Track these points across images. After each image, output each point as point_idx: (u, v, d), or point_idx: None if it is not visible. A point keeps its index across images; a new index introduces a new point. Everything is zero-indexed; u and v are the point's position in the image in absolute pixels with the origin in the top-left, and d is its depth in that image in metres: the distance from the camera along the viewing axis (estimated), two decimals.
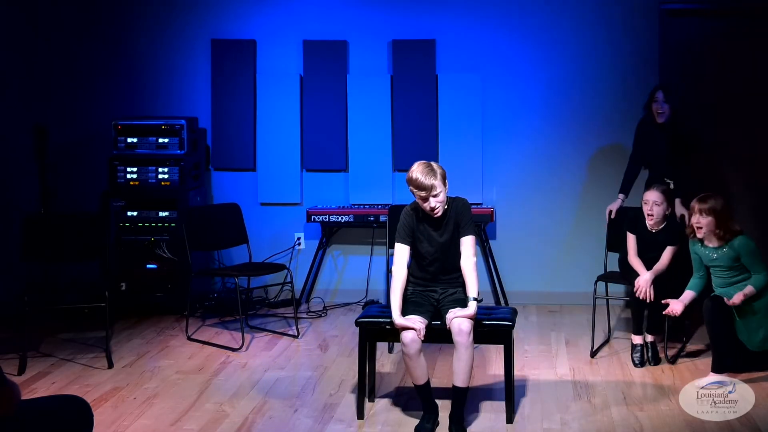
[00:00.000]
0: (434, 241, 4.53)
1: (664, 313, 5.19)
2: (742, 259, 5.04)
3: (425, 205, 4.45)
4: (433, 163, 4.47)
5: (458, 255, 4.52)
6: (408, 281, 4.57)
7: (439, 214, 4.47)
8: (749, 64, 6.81)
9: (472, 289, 4.43)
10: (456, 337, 4.32)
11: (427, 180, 4.38)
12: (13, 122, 6.99)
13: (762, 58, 6.79)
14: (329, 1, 7.10)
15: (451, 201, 4.55)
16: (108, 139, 6.87)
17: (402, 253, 4.53)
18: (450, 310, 4.38)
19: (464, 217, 4.52)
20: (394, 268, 4.52)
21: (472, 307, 4.36)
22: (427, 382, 4.45)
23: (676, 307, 5.12)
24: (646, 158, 6.10)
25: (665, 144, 5.95)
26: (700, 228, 5.05)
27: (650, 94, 5.99)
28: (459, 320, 4.31)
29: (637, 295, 5.31)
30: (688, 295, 5.18)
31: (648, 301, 5.28)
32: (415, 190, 4.42)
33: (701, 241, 5.13)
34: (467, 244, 4.51)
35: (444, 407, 4.48)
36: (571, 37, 6.89)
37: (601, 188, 6.69)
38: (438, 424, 4.43)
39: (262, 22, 7.15)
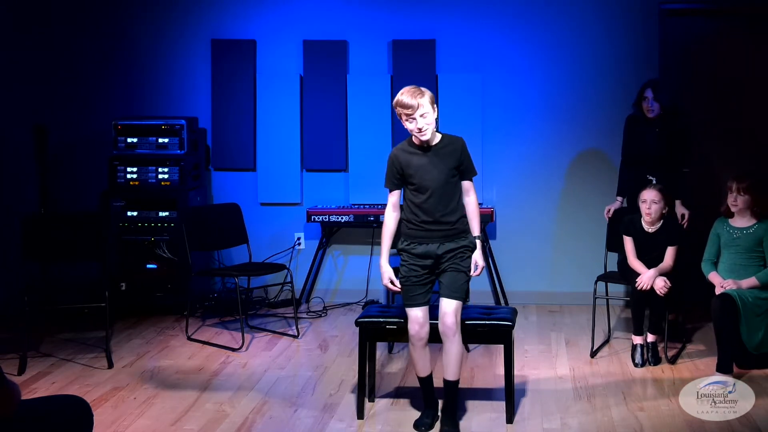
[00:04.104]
0: (428, 171, 4.36)
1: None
2: (764, 244, 5.12)
3: (412, 126, 4.31)
4: (422, 87, 4.36)
5: (457, 193, 4.43)
6: (407, 228, 4.43)
7: (427, 136, 4.32)
8: (749, 64, 6.81)
9: (475, 228, 4.45)
10: (440, 329, 4.33)
11: (413, 99, 4.26)
12: (13, 122, 6.99)
13: (761, 57, 6.80)
14: (329, 1, 7.10)
15: (447, 136, 4.44)
16: (108, 139, 6.87)
17: (393, 200, 4.46)
18: (440, 299, 4.34)
19: (465, 159, 4.42)
20: (385, 214, 4.47)
21: (478, 251, 4.40)
22: (430, 376, 4.47)
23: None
24: (634, 155, 6.03)
25: (654, 140, 5.91)
26: (736, 205, 5.20)
27: (639, 92, 5.96)
28: (442, 313, 4.32)
29: (638, 287, 5.30)
30: (714, 276, 5.24)
31: (645, 288, 5.27)
32: (401, 110, 4.29)
33: (728, 220, 5.25)
34: (470, 186, 4.47)
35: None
36: (570, 36, 6.88)
37: (602, 188, 6.68)
38: (438, 419, 4.44)
39: (262, 22, 7.15)
